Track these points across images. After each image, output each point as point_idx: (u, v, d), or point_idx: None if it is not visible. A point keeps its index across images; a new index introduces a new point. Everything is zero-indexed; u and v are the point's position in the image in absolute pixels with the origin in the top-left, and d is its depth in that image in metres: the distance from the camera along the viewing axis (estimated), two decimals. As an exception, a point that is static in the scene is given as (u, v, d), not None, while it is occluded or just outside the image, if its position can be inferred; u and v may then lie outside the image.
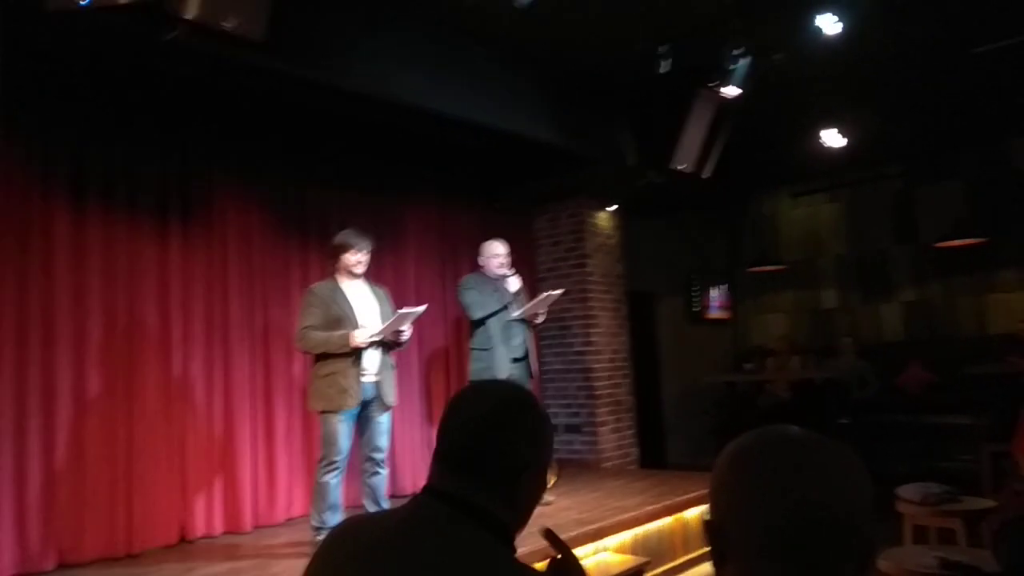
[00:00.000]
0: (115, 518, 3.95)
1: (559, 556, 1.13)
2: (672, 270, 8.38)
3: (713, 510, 0.88)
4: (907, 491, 3.97)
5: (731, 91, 4.99)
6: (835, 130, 5.97)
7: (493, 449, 1.12)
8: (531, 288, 5.94)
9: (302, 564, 3.87)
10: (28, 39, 3.72)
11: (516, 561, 1.07)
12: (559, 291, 4.90)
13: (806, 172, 8.08)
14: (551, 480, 1.22)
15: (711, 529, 0.87)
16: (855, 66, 5.22)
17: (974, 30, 4.95)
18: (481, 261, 4.85)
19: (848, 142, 6.09)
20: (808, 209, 8.87)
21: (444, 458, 1.14)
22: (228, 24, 3.13)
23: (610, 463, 6.31)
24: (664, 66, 4.64)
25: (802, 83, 5.47)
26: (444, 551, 1.03)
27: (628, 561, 3.91)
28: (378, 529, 1.12)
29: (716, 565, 0.87)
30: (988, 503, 3.87)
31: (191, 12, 2.96)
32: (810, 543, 0.80)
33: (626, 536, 4.28)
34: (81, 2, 2.82)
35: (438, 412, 5.75)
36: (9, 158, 3.78)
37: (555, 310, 5.76)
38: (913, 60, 5.37)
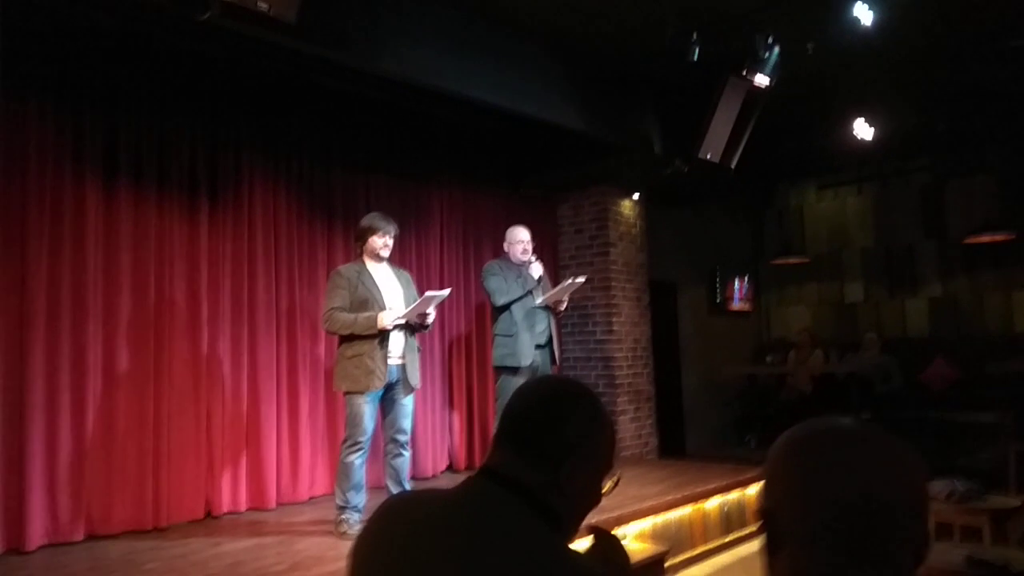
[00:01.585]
0: (143, 492, 4.02)
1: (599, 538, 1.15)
2: (695, 260, 8.33)
3: (767, 498, 0.89)
4: (932, 487, 3.94)
5: (762, 80, 4.93)
6: (865, 122, 5.88)
7: (539, 424, 1.14)
8: (553, 275, 5.93)
9: (326, 542, 3.90)
10: (63, 18, 3.76)
11: (557, 542, 1.06)
12: (581, 278, 4.88)
13: (833, 164, 7.99)
14: (608, 485, 1.20)
15: (765, 516, 0.88)
16: (888, 58, 5.14)
17: (1010, 22, 4.85)
18: (506, 246, 4.85)
19: (877, 134, 6.00)
20: (834, 201, 8.77)
21: (497, 436, 1.17)
22: (261, 6, 3.15)
23: (629, 452, 6.32)
24: (694, 53, 4.59)
25: (832, 73, 5.40)
26: (486, 530, 1.04)
27: (648, 549, 3.92)
28: (430, 507, 1.13)
29: (769, 552, 0.87)
30: (1015, 502, 3.84)
31: (226, -7, 2.99)
32: (865, 533, 0.80)
33: (646, 524, 4.29)
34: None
35: (459, 396, 5.82)
36: (43, 137, 3.82)
37: (577, 298, 5.76)
38: (947, 53, 5.28)
